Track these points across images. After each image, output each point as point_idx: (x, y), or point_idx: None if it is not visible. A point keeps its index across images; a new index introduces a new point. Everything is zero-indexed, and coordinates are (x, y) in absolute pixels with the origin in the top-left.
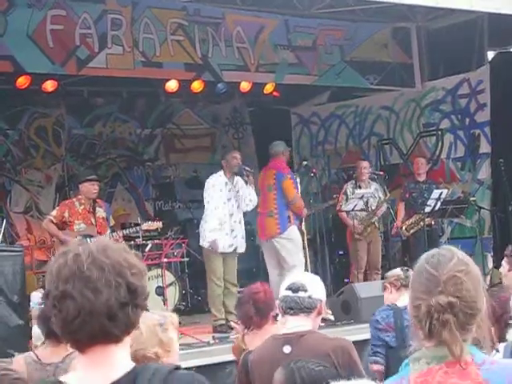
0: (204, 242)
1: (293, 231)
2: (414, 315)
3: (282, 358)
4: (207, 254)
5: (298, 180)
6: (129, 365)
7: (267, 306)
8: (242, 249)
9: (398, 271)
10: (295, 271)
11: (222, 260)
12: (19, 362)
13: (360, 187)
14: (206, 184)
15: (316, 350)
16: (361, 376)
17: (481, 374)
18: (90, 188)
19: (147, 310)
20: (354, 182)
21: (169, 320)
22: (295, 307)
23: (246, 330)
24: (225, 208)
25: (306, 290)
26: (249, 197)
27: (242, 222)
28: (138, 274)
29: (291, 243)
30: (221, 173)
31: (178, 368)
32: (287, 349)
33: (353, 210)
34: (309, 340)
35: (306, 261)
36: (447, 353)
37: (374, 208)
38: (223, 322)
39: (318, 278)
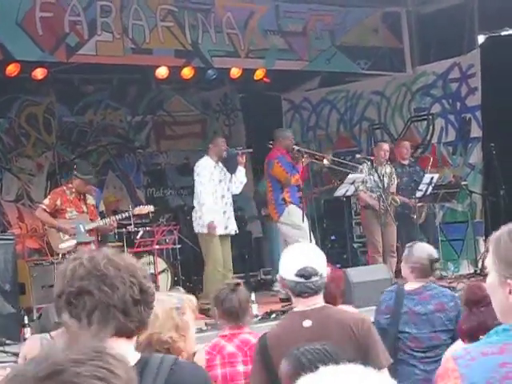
0: (200, 228)
1: (290, 213)
2: None
3: (302, 331)
4: (206, 241)
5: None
6: (137, 356)
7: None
8: (233, 230)
9: (424, 258)
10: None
11: (220, 245)
12: (35, 341)
13: (376, 169)
14: (196, 168)
15: (337, 322)
16: (377, 356)
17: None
18: (82, 186)
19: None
20: (369, 163)
21: (186, 303)
22: (310, 291)
23: None
24: (217, 190)
25: (317, 274)
26: (240, 179)
27: (232, 203)
28: (148, 278)
29: (289, 226)
30: (207, 157)
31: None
32: (307, 323)
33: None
34: (329, 312)
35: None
36: None
37: (386, 186)
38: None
39: (316, 249)
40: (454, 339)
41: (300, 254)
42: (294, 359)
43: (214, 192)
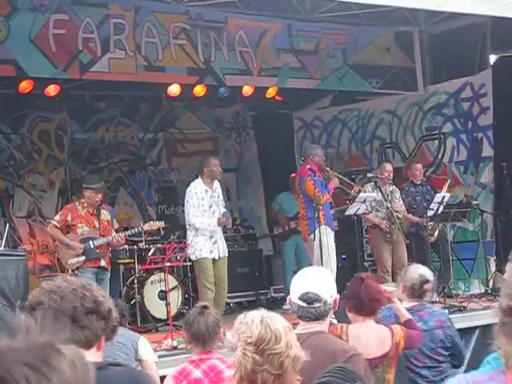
0: (192, 254)
1: (321, 232)
2: None
3: None
4: (198, 261)
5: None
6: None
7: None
8: (223, 253)
9: (416, 278)
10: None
11: (212, 264)
12: None
13: (380, 189)
14: (187, 193)
15: (324, 354)
16: None
17: None
18: (94, 196)
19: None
20: (373, 183)
21: None
22: (311, 317)
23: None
24: (205, 215)
25: (320, 300)
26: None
27: (221, 228)
28: (106, 297)
29: (316, 245)
30: (199, 180)
31: (112, 364)
32: None
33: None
34: (318, 339)
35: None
36: None
37: (391, 205)
38: None
39: (326, 275)
40: (451, 357)
41: (307, 278)
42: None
43: (202, 218)
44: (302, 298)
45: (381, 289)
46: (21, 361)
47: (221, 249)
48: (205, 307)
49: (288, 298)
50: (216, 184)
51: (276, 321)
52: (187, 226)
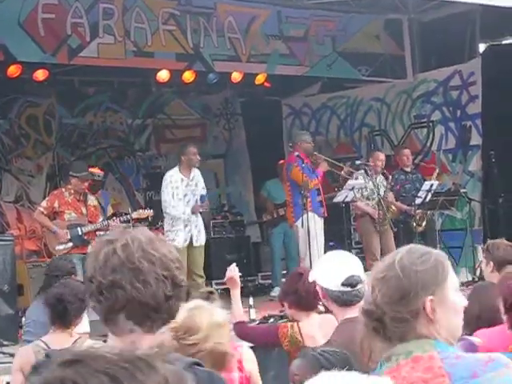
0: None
1: (306, 219)
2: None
3: None
4: None
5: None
6: None
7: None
8: (200, 241)
9: None
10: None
11: (186, 254)
12: (28, 352)
13: (371, 177)
14: (163, 182)
15: None
16: None
17: (444, 367)
18: (79, 184)
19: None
20: (363, 171)
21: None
22: (355, 300)
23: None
24: (180, 205)
25: (361, 281)
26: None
27: (197, 216)
28: (181, 269)
29: (303, 231)
30: (176, 169)
31: (197, 364)
32: None
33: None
34: None
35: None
36: (413, 348)
37: (383, 194)
38: None
39: (354, 256)
40: None
41: (341, 263)
42: (312, 359)
43: (177, 208)
44: (346, 283)
45: None
46: (103, 370)
47: (196, 237)
48: (211, 293)
49: (319, 288)
50: (194, 172)
51: (207, 314)
52: (164, 214)
